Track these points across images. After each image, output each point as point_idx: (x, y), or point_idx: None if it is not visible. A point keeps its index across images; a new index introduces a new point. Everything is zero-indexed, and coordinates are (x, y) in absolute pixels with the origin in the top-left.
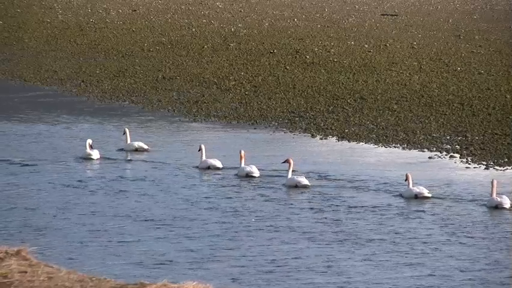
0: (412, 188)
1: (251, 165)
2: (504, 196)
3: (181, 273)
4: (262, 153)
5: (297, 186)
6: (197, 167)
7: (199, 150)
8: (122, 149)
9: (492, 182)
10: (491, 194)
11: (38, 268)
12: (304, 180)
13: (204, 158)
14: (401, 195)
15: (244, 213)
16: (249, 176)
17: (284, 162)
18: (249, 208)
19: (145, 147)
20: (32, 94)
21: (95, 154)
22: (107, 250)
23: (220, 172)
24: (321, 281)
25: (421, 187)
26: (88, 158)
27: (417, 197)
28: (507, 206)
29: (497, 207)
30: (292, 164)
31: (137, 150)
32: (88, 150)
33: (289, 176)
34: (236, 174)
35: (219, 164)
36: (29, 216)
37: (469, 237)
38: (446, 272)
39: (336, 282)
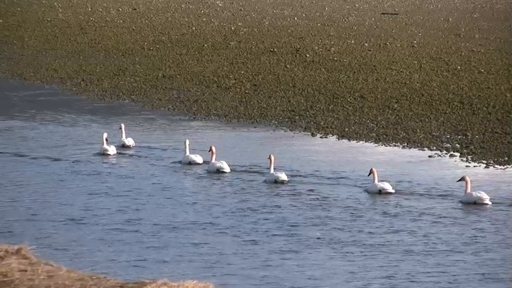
0: (376, 183)
1: (221, 161)
2: (482, 191)
3: (181, 272)
4: (262, 152)
5: (276, 181)
6: (180, 161)
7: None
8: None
9: (465, 178)
10: (466, 190)
11: (38, 267)
12: (283, 176)
13: (187, 153)
14: (366, 191)
15: (242, 213)
16: (219, 171)
17: (269, 158)
18: (246, 206)
19: (129, 144)
20: (32, 93)
21: (112, 150)
22: (107, 249)
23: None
24: (321, 281)
25: (385, 183)
26: (104, 154)
27: (381, 192)
28: (486, 200)
29: (476, 202)
30: (273, 160)
31: (124, 146)
32: (105, 145)
33: (271, 171)
34: (206, 170)
35: (199, 160)
36: (29, 214)
37: (469, 234)
38: (448, 269)
39: (333, 283)
